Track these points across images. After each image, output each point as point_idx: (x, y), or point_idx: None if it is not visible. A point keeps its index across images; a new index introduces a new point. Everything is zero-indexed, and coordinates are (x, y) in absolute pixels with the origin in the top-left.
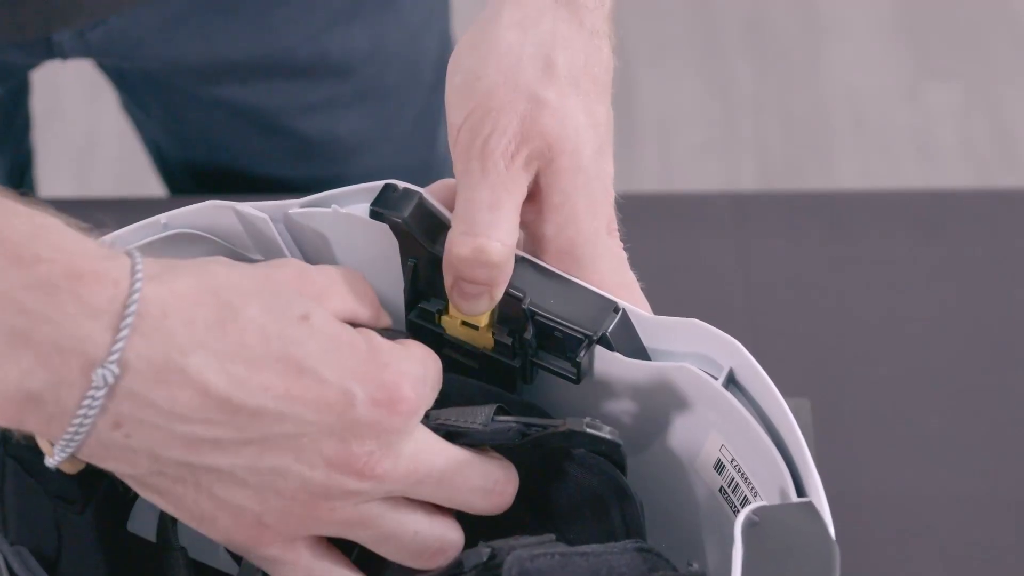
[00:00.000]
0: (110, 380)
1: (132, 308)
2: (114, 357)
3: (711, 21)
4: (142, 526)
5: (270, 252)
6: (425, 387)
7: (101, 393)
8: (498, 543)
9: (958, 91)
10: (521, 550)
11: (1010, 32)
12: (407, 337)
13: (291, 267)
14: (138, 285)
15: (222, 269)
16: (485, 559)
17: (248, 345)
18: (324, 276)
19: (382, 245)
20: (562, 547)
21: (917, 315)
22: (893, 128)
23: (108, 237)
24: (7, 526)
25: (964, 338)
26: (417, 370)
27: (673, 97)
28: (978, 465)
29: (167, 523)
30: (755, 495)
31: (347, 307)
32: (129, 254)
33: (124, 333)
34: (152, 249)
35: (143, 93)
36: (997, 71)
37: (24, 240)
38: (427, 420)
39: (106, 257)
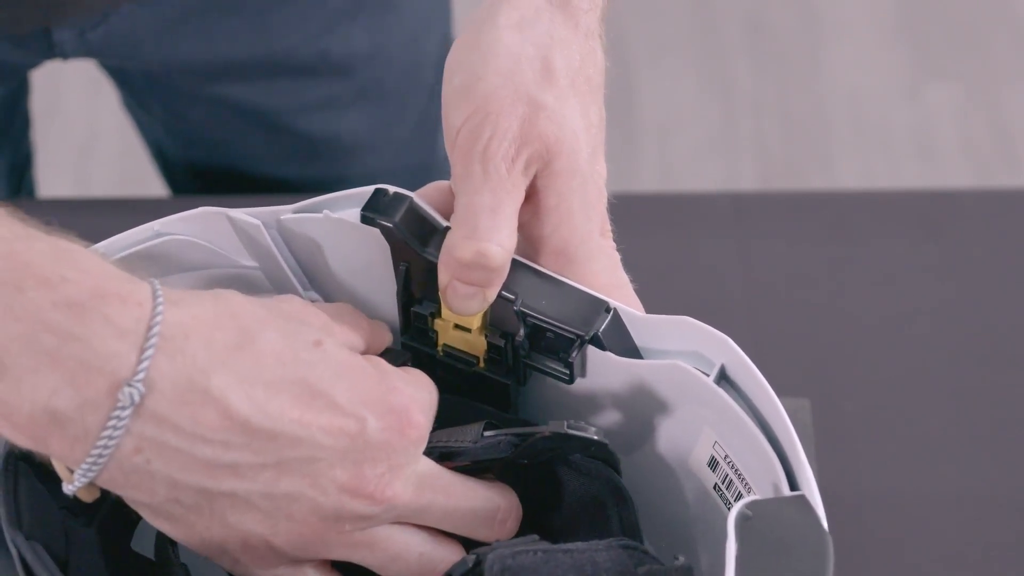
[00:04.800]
0: (136, 399)
1: (156, 329)
2: (140, 376)
3: (711, 21)
4: (146, 545)
5: (263, 258)
6: (431, 412)
7: (127, 413)
8: (482, 549)
9: (958, 91)
10: (502, 548)
11: (1010, 32)
12: (406, 356)
13: (296, 301)
14: (160, 308)
15: (237, 297)
16: (471, 566)
17: (266, 368)
18: (325, 310)
19: (374, 249)
20: (544, 545)
21: (917, 315)
22: (893, 128)
23: (101, 244)
24: (21, 521)
25: (964, 338)
26: (424, 395)
27: (673, 97)
28: (978, 465)
29: (165, 541)
30: (749, 491)
31: (349, 338)
32: (148, 280)
33: (149, 353)
34: (146, 255)
35: (144, 92)
36: (997, 71)
37: (48, 262)
38: None
39: (128, 280)
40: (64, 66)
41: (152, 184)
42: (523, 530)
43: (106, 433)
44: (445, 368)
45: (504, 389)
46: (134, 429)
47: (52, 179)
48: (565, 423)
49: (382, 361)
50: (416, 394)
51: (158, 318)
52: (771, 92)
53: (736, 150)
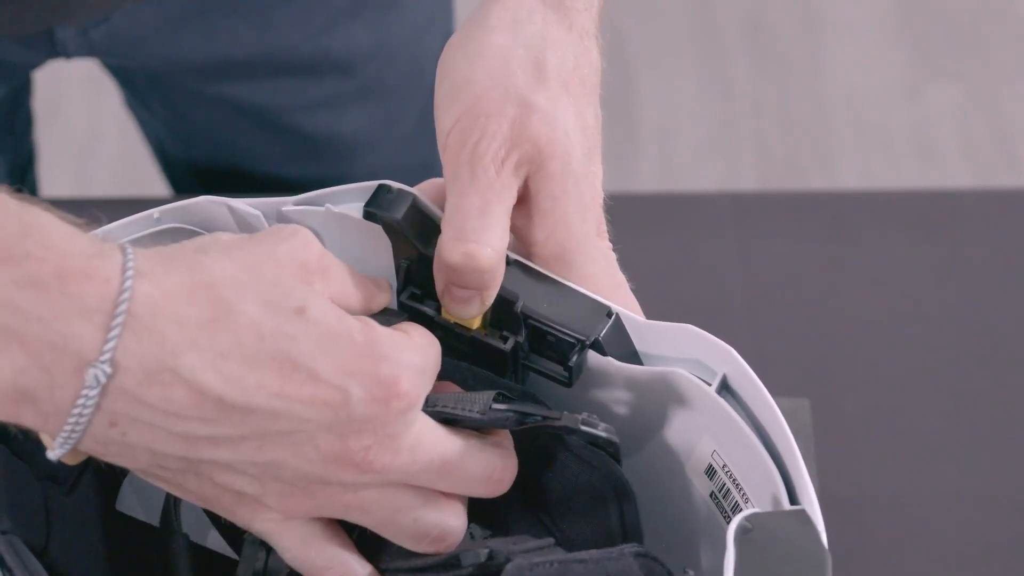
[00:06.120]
0: (102, 380)
1: (123, 307)
2: (105, 357)
3: (711, 21)
4: (131, 506)
5: None
6: (424, 377)
7: (95, 392)
8: (496, 543)
9: (958, 91)
10: (520, 558)
11: (1010, 32)
12: (403, 316)
13: (296, 239)
14: (128, 283)
15: (218, 262)
16: (483, 559)
17: (242, 343)
18: (324, 260)
19: (375, 245)
20: (560, 554)
21: (917, 315)
22: (893, 128)
23: (100, 230)
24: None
25: (964, 338)
26: (416, 360)
27: (673, 97)
28: (978, 465)
29: (171, 508)
30: (746, 501)
31: (341, 296)
32: (122, 249)
33: (115, 332)
34: (144, 244)
35: (146, 91)
36: (997, 71)
37: (14, 238)
38: (425, 405)
39: (97, 255)
40: (66, 66)
41: (153, 184)
42: (518, 498)
43: (76, 410)
44: (443, 330)
45: (502, 355)
46: (105, 405)
47: (53, 179)
48: (579, 419)
49: (374, 325)
50: (409, 360)
51: (125, 295)
52: (771, 92)
53: (736, 150)
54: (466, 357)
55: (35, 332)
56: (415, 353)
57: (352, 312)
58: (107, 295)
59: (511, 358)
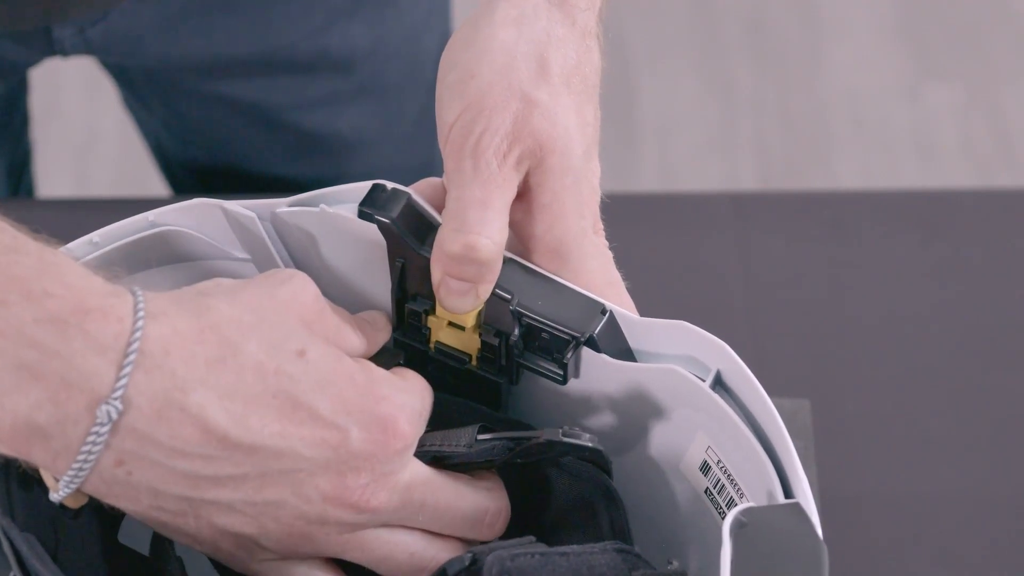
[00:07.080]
0: (114, 416)
1: (135, 346)
2: (118, 394)
3: (711, 21)
4: (132, 538)
5: (257, 250)
6: (421, 419)
7: (105, 429)
8: (479, 548)
9: (958, 91)
10: (501, 550)
11: (1010, 32)
12: (399, 354)
13: (293, 282)
14: (140, 323)
15: (223, 304)
16: (467, 564)
17: (246, 382)
18: (321, 306)
19: (369, 245)
20: (542, 547)
21: (917, 315)
22: (893, 128)
23: (96, 233)
24: (14, 512)
25: (964, 338)
26: (414, 403)
27: (673, 97)
28: (978, 465)
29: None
30: (741, 497)
31: (341, 339)
32: (132, 291)
33: (127, 370)
34: (139, 246)
35: (144, 90)
36: (997, 71)
37: (33, 276)
38: None
39: (111, 294)
40: (64, 65)
41: (151, 183)
42: (512, 527)
43: (86, 448)
44: (436, 365)
45: (495, 388)
46: (114, 444)
47: (52, 178)
48: (560, 430)
49: (372, 367)
50: (406, 401)
51: (137, 334)
52: (771, 92)
53: (736, 150)
54: (459, 391)
55: (53, 368)
56: (412, 395)
57: (354, 352)
58: (121, 333)
59: (506, 374)
